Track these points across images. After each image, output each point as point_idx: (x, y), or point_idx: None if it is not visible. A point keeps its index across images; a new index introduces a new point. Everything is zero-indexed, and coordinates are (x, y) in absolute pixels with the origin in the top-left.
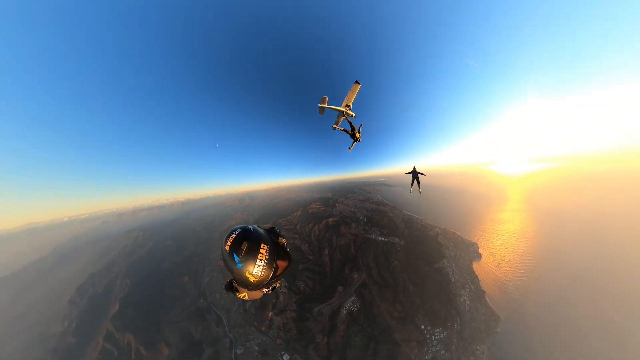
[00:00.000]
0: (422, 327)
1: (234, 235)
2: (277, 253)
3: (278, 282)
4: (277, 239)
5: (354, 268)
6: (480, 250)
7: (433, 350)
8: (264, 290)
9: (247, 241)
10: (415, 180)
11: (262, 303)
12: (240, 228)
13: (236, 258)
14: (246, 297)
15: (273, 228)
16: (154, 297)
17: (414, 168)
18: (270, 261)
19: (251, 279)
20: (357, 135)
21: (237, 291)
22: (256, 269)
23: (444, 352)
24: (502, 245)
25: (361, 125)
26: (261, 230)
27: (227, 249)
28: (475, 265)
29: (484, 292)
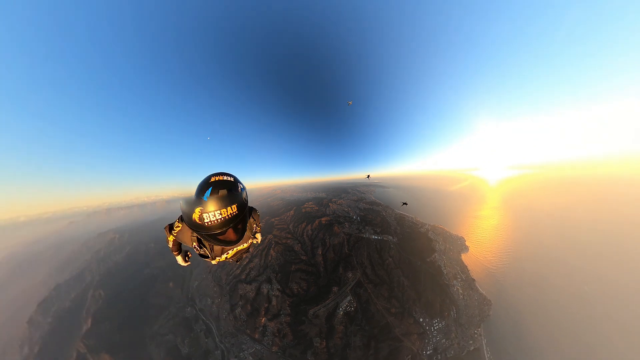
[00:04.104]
0: (421, 319)
1: (227, 178)
2: (235, 225)
3: (210, 255)
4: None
5: (348, 267)
6: (467, 243)
7: (434, 340)
8: (195, 246)
9: (229, 192)
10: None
11: (253, 308)
12: (239, 181)
13: (207, 193)
14: (170, 242)
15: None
16: (133, 308)
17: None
18: (225, 223)
19: (196, 214)
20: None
21: (172, 229)
22: (209, 215)
23: (444, 340)
24: (486, 238)
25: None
26: (244, 199)
27: (212, 181)
28: (463, 257)
29: (474, 280)
